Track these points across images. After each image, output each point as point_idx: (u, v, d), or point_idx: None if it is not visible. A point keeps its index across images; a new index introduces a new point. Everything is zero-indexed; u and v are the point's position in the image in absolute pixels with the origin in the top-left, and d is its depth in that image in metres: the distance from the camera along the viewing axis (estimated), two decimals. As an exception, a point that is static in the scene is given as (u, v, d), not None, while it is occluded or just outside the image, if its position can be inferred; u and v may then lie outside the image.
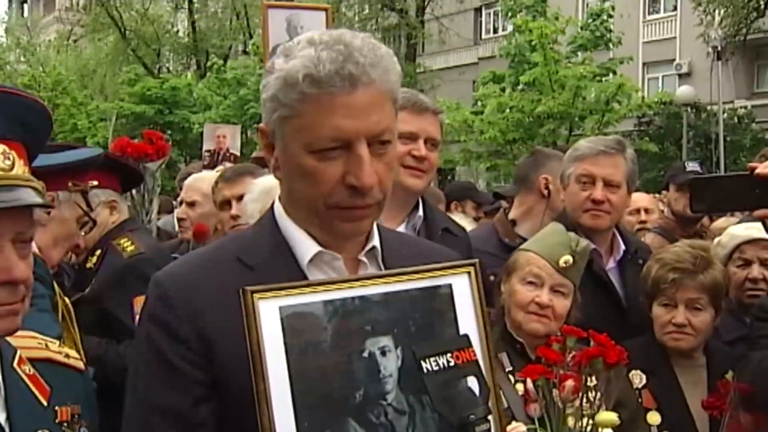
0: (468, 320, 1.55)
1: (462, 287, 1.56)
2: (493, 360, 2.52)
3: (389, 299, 1.48)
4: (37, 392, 1.65)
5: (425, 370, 1.39)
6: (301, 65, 1.51)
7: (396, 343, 1.47)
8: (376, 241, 1.68)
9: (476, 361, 1.46)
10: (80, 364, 1.76)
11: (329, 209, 1.58)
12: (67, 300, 2.54)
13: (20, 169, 1.49)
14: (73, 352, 1.78)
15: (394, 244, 1.73)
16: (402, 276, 1.51)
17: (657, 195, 6.60)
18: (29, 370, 1.66)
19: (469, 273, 1.58)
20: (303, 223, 1.64)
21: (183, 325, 1.55)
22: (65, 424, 1.68)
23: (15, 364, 1.64)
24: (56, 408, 1.67)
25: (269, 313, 1.40)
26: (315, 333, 1.43)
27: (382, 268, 1.66)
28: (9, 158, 1.47)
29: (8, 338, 1.61)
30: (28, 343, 1.73)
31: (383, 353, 1.46)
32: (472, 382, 1.46)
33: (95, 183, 3.05)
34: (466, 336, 1.50)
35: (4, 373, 1.61)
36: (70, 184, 2.75)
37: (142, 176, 3.94)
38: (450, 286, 1.55)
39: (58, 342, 1.83)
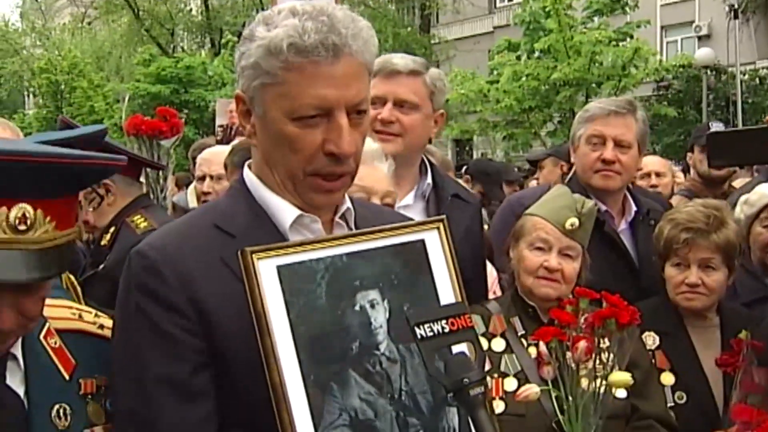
0: (441, 271, 1.66)
1: (433, 241, 1.67)
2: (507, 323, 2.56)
3: (373, 255, 1.57)
4: (60, 365, 1.66)
5: (419, 336, 1.42)
6: (285, 34, 1.54)
7: (383, 296, 1.56)
8: (348, 204, 1.74)
9: (472, 327, 1.49)
10: None
11: (307, 176, 1.63)
12: (71, 276, 2.55)
13: (42, 228, 1.46)
14: (108, 322, 1.77)
15: (359, 209, 1.79)
16: (382, 233, 1.61)
17: (679, 161, 6.50)
18: (55, 343, 1.68)
19: (438, 228, 1.68)
20: (279, 190, 1.67)
21: (175, 293, 1.55)
22: (89, 396, 1.69)
23: (41, 337, 1.66)
24: (80, 381, 1.68)
25: (268, 272, 1.45)
26: (311, 289, 1.49)
27: (354, 229, 1.72)
28: (25, 221, 1.43)
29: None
30: (61, 313, 1.75)
31: (372, 306, 1.54)
32: (467, 347, 1.50)
33: None
34: (463, 303, 1.59)
35: (27, 347, 1.63)
36: None
37: (137, 160, 3.85)
38: (423, 241, 1.66)
39: (93, 312, 1.83)
